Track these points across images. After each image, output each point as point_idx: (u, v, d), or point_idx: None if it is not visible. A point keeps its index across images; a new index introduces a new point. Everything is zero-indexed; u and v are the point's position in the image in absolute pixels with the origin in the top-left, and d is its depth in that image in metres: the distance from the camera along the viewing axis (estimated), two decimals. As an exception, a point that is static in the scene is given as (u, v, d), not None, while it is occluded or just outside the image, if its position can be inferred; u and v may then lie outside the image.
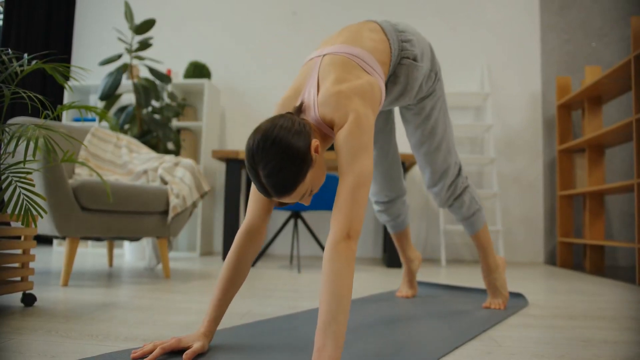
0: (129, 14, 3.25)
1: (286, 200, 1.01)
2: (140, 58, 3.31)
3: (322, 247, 3.11)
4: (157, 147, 3.38)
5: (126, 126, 3.42)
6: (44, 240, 4.62)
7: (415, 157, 1.61)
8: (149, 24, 3.31)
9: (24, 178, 1.42)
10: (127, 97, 4.34)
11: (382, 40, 1.27)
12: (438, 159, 1.55)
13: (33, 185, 1.42)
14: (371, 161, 1.03)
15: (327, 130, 1.10)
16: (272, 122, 0.99)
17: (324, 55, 1.17)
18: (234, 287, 1.12)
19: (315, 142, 1.00)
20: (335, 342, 0.87)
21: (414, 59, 1.31)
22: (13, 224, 2.15)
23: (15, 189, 1.38)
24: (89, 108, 1.67)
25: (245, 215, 4.00)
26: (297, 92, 1.15)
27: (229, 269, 1.12)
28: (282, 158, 0.94)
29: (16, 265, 2.41)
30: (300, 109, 1.09)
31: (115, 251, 3.97)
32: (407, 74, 1.32)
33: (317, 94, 1.10)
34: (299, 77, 1.18)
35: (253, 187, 1.14)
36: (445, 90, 4.04)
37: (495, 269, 1.72)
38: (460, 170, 1.62)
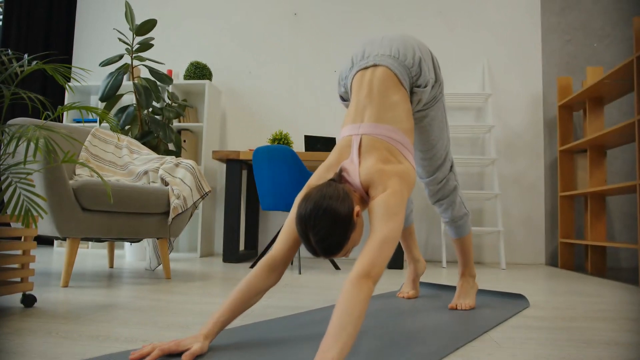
0: (129, 15, 3.25)
1: (331, 258, 1.13)
2: (141, 59, 3.31)
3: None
4: (158, 147, 3.38)
5: (127, 127, 3.42)
6: (45, 241, 4.62)
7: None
8: (149, 25, 3.31)
9: (25, 179, 1.41)
10: (128, 98, 4.34)
11: (404, 98, 1.36)
12: (436, 154, 1.62)
13: (33, 186, 1.42)
14: (401, 227, 1.14)
15: (365, 196, 1.24)
16: (320, 191, 1.12)
17: (361, 134, 1.29)
18: (247, 302, 1.17)
19: (357, 208, 1.13)
20: (340, 349, 0.89)
21: (425, 86, 1.42)
22: (13, 224, 2.15)
23: (15, 189, 1.38)
24: (89, 109, 1.66)
25: (245, 214, 4.00)
26: (339, 159, 1.30)
27: (247, 286, 1.17)
28: (331, 226, 1.08)
29: (16, 266, 2.41)
30: (340, 175, 1.23)
31: (116, 252, 3.97)
32: (419, 99, 1.45)
33: (359, 165, 1.24)
34: (339, 148, 1.32)
35: (289, 219, 1.24)
36: (446, 91, 4.05)
37: (473, 275, 1.81)
38: (452, 166, 1.68)
